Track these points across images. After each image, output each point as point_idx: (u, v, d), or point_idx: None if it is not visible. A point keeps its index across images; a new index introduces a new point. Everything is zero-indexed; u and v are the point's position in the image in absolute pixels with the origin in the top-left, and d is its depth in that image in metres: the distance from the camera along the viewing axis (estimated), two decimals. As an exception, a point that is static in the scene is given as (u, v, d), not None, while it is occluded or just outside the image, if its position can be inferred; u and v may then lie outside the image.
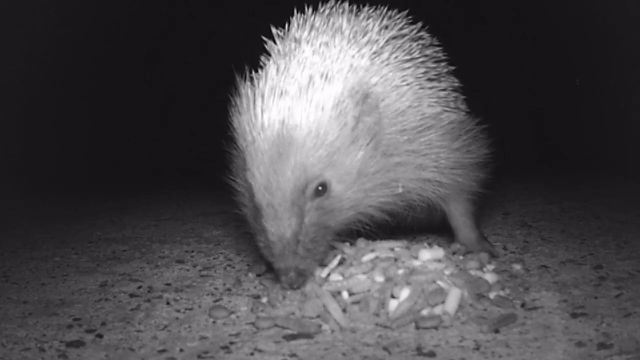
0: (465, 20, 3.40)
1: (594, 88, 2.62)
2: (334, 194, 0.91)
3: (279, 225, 0.88)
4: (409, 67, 1.03)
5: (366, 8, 1.11)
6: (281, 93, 0.91)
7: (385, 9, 1.12)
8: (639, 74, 2.15)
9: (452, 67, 1.17)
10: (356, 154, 0.92)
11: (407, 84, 1.02)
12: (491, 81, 3.23)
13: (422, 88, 1.04)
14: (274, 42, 1.06)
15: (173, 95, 3.61)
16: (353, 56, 0.98)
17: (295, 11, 1.08)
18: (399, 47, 1.05)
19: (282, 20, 1.09)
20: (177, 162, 3.47)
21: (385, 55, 1.01)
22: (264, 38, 1.07)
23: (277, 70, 0.95)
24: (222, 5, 3.48)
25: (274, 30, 1.06)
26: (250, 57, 1.07)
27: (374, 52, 1.01)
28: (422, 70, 1.06)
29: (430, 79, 1.07)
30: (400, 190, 1.00)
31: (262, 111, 0.91)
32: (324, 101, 0.90)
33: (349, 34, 1.01)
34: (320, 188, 0.90)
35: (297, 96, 0.90)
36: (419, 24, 1.15)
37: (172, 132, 3.54)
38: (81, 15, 2.76)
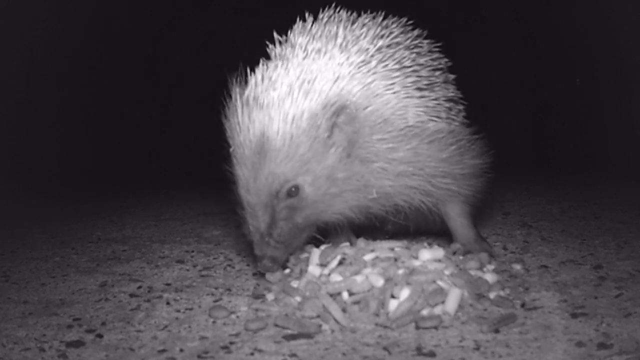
0: (465, 21, 3.40)
1: (594, 88, 2.62)
2: (304, 196, 1.01)
3: (255, 221, 1.02)
4: (397, 76, 1.05)
5: (363, 17, 1.12)
6: (263, 103, 0.99)
7: (382, 17, 1.13)
8: (639, 74, 2.15)
9: (452, 76, 1.16)
10: (327, 162, 1.00)
11: (393, 93, 1.04)
12: (491, 81, 3.23)
13: (409, 97, 1.05)
14: (275, 45, 1.10)
15: (173, 95, 3.61)
16: (340, 64, 1.03)
17: (298, 19, 1.12)
18: (390, 55, 1.07)
19: (282, 21, 1.10)
20: (177, 162, 3.47)
21: (373, 64, 1.04)
22: (267, 42, 1.11)
23: (267, 77, 1.03)
24: (223, 6, 3.48)
25: (275, 35, 1.11)
26: (249, 57, 1.08)
27: (362, 61, 1.04)
28: (412, 79, 1.07)
29: (419, 88, 1.07)
30: (374, 195, 1.05)
31: (247, 120, 1.00)
32: (298, 114, 0.98)
33: (341, 42, 1.06)
34: (293, 189, 1.00)
35: (276, 107, 0.99)
36: (416, 32, 1.14)
37: (172, 132, 3.54)
38: (81, 15, 2.76)
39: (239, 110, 1.02)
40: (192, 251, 1.39)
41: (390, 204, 1.09)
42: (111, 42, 3.07)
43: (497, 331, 0.81)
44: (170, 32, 3.54)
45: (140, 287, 1.11)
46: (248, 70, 1.06)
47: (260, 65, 1.07)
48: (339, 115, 0.99)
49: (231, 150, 1.04)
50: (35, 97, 2.57)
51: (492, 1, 3.32)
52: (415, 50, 1.11)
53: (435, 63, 1.14)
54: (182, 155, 3.47)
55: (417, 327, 0.83)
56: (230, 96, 1.05)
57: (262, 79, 1.03)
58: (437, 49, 1.16)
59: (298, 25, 1.11)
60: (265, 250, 1.01)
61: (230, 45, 3.30)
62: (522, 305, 0.91)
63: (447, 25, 3.15)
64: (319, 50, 1.04)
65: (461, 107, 1.17)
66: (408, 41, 1.12)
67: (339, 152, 1.00)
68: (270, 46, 1.11)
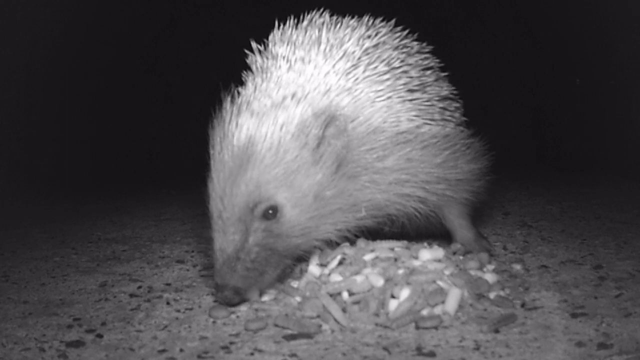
0: (465, 21, 3.40)
1: (594, 88, 2.62)
2: (285, 219, 0.92)
3: (223, 239, 0.91)
4: (387, 79, 1.01)
5: (347, 18, 1.08)
6: (252, 111, 0.94)
7: (368, 17, 1.09)
8: (639, 74, 2.15)
9: (443, 74, 1.13)
10: (315, 177, 0.93)
11: (383, 99, 1.00)
12: (491, 81, 3.23)
13: (401, 101, 1.01)
14: (255, 56, 1.05)
15: (173, 95, 3.61)
16: (327, 73, 0.98)
17: (276, 22, 1.07)
18: (377, 57, 1.02)
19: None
20: (177, 162, 3.47)
21: (360, 69, 0.99)
22: (247, 51, 1.07)
23: (254, 87, 0.98)
24: (223, 6, 3.49)
25: (254, 45, 1.06)
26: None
27: (350, 67, 0.99)
28: (403, 81, 1.03)
29: (411, 90, 1.03)
30: (363, 213, 0.99)
31: (233, 125, 0.94)
32: (288, 121, 0.92)
33: (325, 48, 1.01)
34: (270, 211, 0.91)
35: (265, 114, 0.92)
36: (405, 32, 1.11)
37: (172, 132, 3.54)
38: (81, 15, 2.76)
39: (226, 117, 0.96)
40: (192, 251, 1.39)
41: (383, 215, 1.04)
42: (111, 42, 3.07)
43: (497, 331, 0.81)
44: (170, 32, 3.54)
45: (140, 287, 1.11)
46: (232, 84, 1.02)
47: (247, 77, 1.03)
48: (328, 127, 0.93)
49: (211, 158, 0.96)
50: (35, 97, 2.57)
51: (492, 1, 3.32)
52: (403, 50, 1.08)
53: (425, 63, 1.10)
54: (182, 155, 3.47)
55: (417, 327, 0.83)
56: (218, 105, 1.00)
57: (253, 89, 0.98)
58: (426, 50, 1.13)
59: (277, 32, 1.06)
60: (227, 280, 0.90)
61: (230, 45, 3.30)
62: (522, 305, 0.91)
63: (447, 25, 3.16)
64: (302, 60, 0.99)
65: (457, 104, 1.14)
66: (396, 41, 1.08)
67: (326, 167, 0.94)
68: (251, 57, 1.06)
